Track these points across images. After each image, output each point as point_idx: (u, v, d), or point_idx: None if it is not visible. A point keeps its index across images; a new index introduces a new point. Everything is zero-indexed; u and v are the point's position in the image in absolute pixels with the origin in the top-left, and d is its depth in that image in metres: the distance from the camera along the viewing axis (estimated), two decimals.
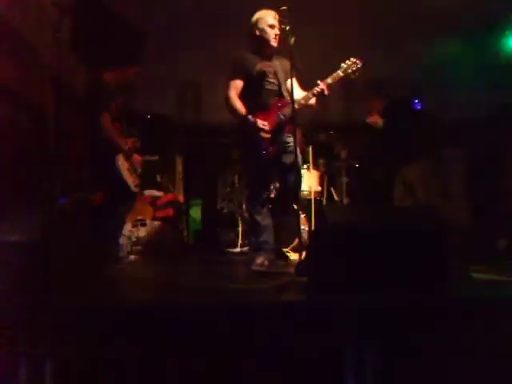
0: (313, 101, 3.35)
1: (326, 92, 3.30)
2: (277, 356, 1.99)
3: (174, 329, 1.98)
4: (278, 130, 3.30)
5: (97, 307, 2.03)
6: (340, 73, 3.34)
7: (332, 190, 5.06)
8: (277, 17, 3.29)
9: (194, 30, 4.99)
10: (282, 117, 3.29)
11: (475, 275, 2.87)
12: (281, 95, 3.40)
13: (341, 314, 2.04)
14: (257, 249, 3.39)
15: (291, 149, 3.31)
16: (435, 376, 2.01)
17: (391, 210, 3.28)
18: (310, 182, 4.70)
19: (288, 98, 3.27)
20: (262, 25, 3.39)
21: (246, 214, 4.97)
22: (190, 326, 1.99)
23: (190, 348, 1.96)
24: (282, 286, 2.63)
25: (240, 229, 5.26)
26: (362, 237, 2.31)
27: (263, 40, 3.39)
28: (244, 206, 5.22)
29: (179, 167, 6.49)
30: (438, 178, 4.35)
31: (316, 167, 4.92)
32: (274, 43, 3.38)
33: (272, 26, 3.36)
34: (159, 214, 5.25)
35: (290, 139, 3.32)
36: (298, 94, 3.35)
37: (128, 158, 3.86)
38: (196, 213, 6.34)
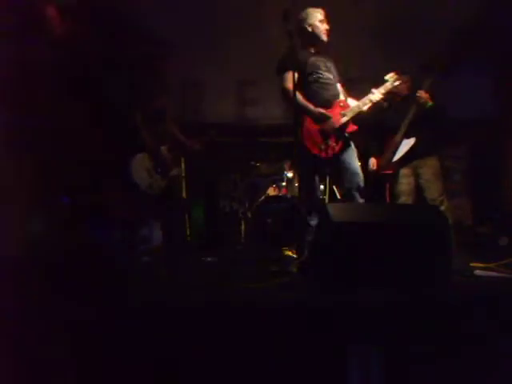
0: (365, 107, 3.44)
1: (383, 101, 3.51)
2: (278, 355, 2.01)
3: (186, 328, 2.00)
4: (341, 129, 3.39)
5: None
6: (388, 85, 3.47)
7: (334, 188, 5.04)
8: (323, 13, 3.44)
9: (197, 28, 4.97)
10: (344, 117, 3.37)
11: (477, 272, 2.88)
12: (336, 92, 3.48)
13: (342, 314, 2.05)
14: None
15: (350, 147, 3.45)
16: (437, 375, 2.02)
17: (393, 208, 3.28)
18: None
19: (344, 98, 3.47)
20: (312, 20, 3.45)
21: (249, 214, 4.98)
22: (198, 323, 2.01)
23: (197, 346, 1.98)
24: (284, 284, 2.65)
25: (243, 228, 5.23)
26: (363, 235, 2.32)
27: (313, 35, 3.45)
28: (246, 205, 5.21)
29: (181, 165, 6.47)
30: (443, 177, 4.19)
31: None
32: (324, 38, 3.45)
33: (322, 22, 3.44)
34: None
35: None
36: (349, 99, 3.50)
37: (154, 157, 3.82)
38: (198, 212, 6.32)
